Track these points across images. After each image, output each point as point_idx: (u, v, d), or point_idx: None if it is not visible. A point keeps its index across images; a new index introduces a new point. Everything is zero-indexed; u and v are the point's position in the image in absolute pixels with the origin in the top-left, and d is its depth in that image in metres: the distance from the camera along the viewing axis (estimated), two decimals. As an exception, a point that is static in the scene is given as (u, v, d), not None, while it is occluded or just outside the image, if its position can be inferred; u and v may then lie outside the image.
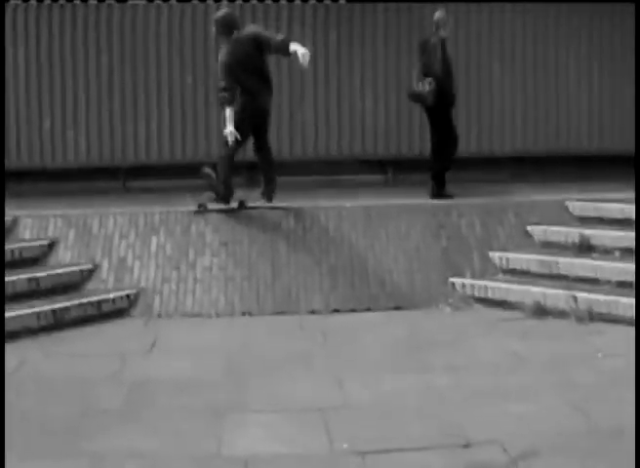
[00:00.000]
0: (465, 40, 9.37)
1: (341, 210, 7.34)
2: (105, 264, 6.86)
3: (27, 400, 4.74)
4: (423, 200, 7.72)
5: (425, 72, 7.75)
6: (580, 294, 6.20)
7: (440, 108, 7.79)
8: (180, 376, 5.13)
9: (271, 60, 7.62)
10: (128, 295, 6.64)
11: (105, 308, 6.50)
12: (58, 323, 6.17)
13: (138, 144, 9.19)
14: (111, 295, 6.56)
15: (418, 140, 9.23)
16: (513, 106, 9.54)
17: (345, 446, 4.11)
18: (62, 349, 5.74)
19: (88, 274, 6.78)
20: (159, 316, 6.59)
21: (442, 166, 7.98)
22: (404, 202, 7.57)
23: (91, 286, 6.75)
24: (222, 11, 7.37)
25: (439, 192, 7.87)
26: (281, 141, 9.07)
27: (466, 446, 4.10)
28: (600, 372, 5.05)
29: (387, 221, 7.23)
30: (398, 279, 6.90)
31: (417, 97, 7.91)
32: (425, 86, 7.67)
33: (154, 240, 7.01)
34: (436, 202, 7.61)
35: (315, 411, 4.53)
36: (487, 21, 9.45)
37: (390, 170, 9.39)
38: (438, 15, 7.80)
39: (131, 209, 7.42)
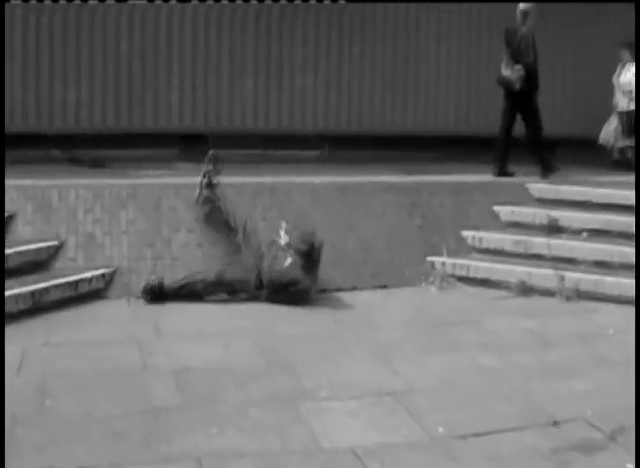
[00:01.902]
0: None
1: (314, 186, 7.14)
2: (72, 241, 6.27)
3: (66, 400, 4.19)
4: (391, 178, 7.69)
5: (516, 59, 8.02)
6: (568, 274, 6.43)
7: (527, 94, 8.07)
8: (219, 364, 4.76)
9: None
10: (103, 275, 6.11)
11: (82, 289, 5.93)
12: (36, 306, 5.55)
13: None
14: (88, 275, 6.00)
15: (355, 117, 9.21)
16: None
17: (441, 430, 4.03)
18: (61, 336, 5.15)
19: (54, 251, 6.15)
20: (138, 298, 6.12)
21: (541, 146, 8.21)
22: (379, 179, 7.49)
23: (59, 264, 6.13)
24: None
25: (546, 172, 8.12)
26: (220, 113, 8.74)
27: (556, 423, 4.14)
28: (624, 348, 5.27)
29: (362, 199, 7.11)
30: (380, 257, 6.82)
31: (505, 83, 8.10)
32: (515, 72, 7.92)
33: (123, 215, 6.49)
34: (405, 180, 7.61)
35: (387, 396, 4.38)
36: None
37: (326, 146, 9.29)
38: (526, 6, 8.10)
39: (90, 181, 6.81)
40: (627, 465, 3.70)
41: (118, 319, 5.65)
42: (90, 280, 5.98)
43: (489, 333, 5.54)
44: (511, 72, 7.96)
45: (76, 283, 5.88)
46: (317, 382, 4.55)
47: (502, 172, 8.15)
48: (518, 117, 8.20)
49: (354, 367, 4.85)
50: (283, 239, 6.25)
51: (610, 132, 9.45)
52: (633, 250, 6.56)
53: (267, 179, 7.28)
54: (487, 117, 9.47)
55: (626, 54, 9.40)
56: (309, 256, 6.07)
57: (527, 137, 8.25)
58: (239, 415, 4.08)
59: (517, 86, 7.99)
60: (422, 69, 9.76)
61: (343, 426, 4.02)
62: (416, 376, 4.71)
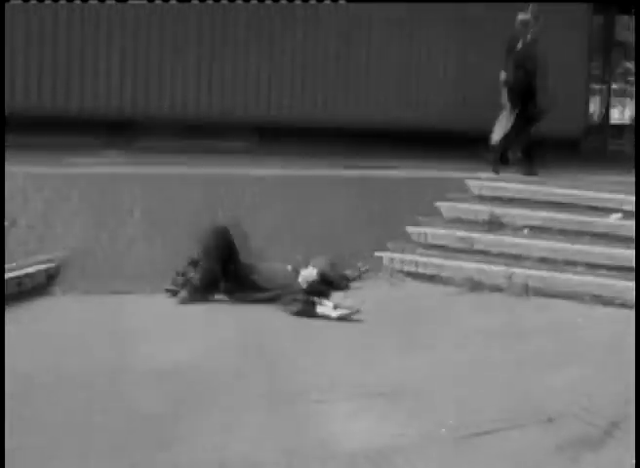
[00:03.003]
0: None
1: (258, 179, 6.94)
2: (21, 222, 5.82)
3: (45, 409, 3.83)
4: (334, 172, 7.57)
5: (520, 66, 8.41)
6: (517, 270, 6.52)
7: (527, 98, 8.54)
8: (196, 365, 4.51)
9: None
10: (47, 269, 5.70)
11: (25, 285, 5.52)
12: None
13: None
14: (31, 270, 5.59)
15: (286, 108, 9.04)
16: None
17: (444, 430, 3.95)
18: (27, 329, 4.77)
19: None
20: (86, 293, 5.76)
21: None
22: (321, 173, 7.35)
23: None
24: None
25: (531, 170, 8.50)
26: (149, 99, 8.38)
27: (550, 420, 4.17)
28: (590, 343, 5.36)
29: (307, 193, 6.97)
30: (328, 253, 6.70)
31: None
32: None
33: (64, 206, 6.08)
34: (349, 175, 7.52)
35: (380, 396, 4.27)
36: None
37: (257, 136, 9.08)
38: (526, 16, 8.46)
39: (28, 169, 6.35)
40: (633, 461, 3.77)
41: (68, 316, 5.28)
42: (33, 275, 5.58)
43: (457, 330, 5.53)
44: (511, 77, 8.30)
45: (19, 279, 5.47)
46: (306, 383, 4.38)
47: (496, 169, 8.41)
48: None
49: (336, 365, 4.71)
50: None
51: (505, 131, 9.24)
52: (576, 246, 6.76)
53: (212, 171, 7.04)
54: (422, 111, 9.58)
55: None
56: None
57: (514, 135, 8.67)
58: (237, 422, 3.86)
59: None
60: (355, 62, 9.69)
61: (347, 430, 3.87)
62: (402, 376, 4.62)
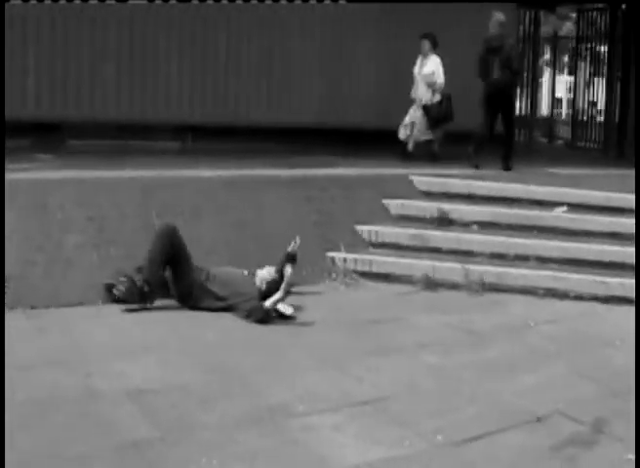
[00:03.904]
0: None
1: (201, 181, 6.70)
2: (-52, 246, 5.41)
3: (20, 438, 3.53)
4: (277, 171, 7.39)
5: (507, 66, 8.65)
6: (472, 267, 6.50)
7: (510, 96, 9.04)
8: (169, 384, 4.25)
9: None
10: (-9, 284, 5.34)
11: (-30, 301, 5.16)
12: None
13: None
14: (-25, 285, 5.22)
15: (219, 108, 8.81)
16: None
17: (440, 437, 3.89)
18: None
19: None
20: (33, 307, 5.41)
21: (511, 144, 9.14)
22: (262, 173, 7.16)
23: (-64, 273, 5.29)
24: None
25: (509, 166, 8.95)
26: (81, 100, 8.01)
27: (539, 420, 4.14)
28: (553, 339, 5.41)
29: (254, 194, 6.78)
30: (278, 255, 6.51)
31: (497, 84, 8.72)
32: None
33: (6, 216, 5.69)
34: (293, 174, 7.36)
35: (364, 405, 4.15)
36: None
37: (189, 137, 8.81)
38: (503, 16, 8.77)
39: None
40: (629, 456, 3.78)
41: (23, 335, 4.93)
42: (-23, 291, 5.21)
43: (419, 331, 5.46)
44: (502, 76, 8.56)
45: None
46: (284, 396, 4.23)
47: (474, 164, 8.73)
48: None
49: (309, 375, 4.56)
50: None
51: (411, 125, 9.38)
52: (525, 241, 6.82)
53: (147, 173, 6.76)
54: (350, 110, 9.51)
55: (426, 44, 9.35)
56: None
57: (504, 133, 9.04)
58: (229, 442, 3.66)
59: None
60: (287, 61, 9.56)
61: (341, 443, 3.73)
62: (377, 382, 4.51)
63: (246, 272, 5.85)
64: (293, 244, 5.83)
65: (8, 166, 6.87)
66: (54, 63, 8.12)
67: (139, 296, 5.46)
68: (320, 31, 9.97)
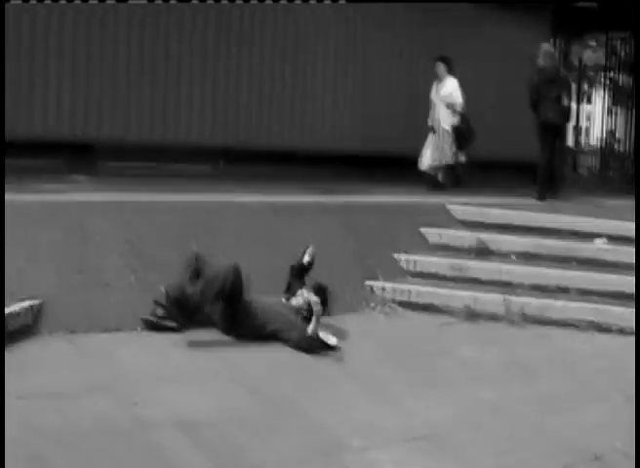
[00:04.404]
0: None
1: (241, 206, 6.61)
2: (-12, 267, 5.31)
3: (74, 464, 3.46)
4: (318, 198, 7.32)
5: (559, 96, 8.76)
6: (513, 298, 6.38)
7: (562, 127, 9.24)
8: (219, 414, 4.13)
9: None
10: (32, 307, 5.23)
11: (11, 326, 5.03)
12: (-36, 348, 4.63)
13: None
14: (16, 308, 5.10)
15: (255, 132, 8.78)
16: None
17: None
18: (15, 387, 4.26)
19: (-34, 281, 5.20)
20: (73, 331, 5.30)
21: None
22: (300, 200, 7.08)
23: (-27, 297, 5.19)
24: None
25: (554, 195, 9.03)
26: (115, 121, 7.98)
27: (597, 458, 4.03)
28: (602, 373, 5.28)
29: (293, 220, 6.68)
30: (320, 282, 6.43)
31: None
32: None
33: (44, 237, 5.62)
34: (329, 201, 7.28)
35: (421, 440, 4.05)
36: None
37: (221, 160, 8.75)
38: (551, 46, 9.22)
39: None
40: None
41: (66, 361, 4.82)
42: (18, 314, 5.10)
43: (467, 364, 5.36)
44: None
45: (4, 319, 4.98)
46: (339, 430, 4.11)
47: (542, 197, 8.81)
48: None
49: (362, 407, 4.46)
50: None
51: (433, 154, 9.17)
52: (565, 272, 6.70)
53: (185, 198, 6.67)
54: (384, 136, 9.46)
55: (441, 67, 9.21)
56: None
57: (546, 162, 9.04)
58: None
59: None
60: (320, 85, 9.52)
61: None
62: (431, 416, 4.42)
63: (283, 299, 5.75)
64: (306, 253, 5.70)
65: (43, 186, 6.84)
66: (90, 83, 8.07)
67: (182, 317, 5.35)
68: (355, 58, 9.95)
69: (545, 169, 8.99)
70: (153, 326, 5.44)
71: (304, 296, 5.64)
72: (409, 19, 10.29)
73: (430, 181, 9.24)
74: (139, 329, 5.47)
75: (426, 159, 9.23)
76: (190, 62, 8.64)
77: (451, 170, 9.29)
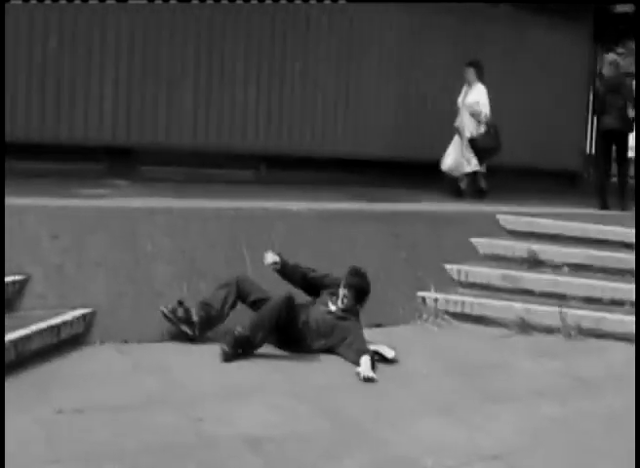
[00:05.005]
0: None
1: (289, 214, 6.48)
2: (38, 274, 5.21)
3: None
4: (361, 206, 7.18)
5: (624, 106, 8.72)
6: (568, 311, 6.22)
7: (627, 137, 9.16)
8: (285, 431, 3.98)
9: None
10: (84, 316, 5.13)
11: (64, 334, 4.94)
12: (19, 358, 4.51)
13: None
14: (68, 317, 5.00)
15: (296, 137, 8.67)
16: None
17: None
18: (69, 399, 4.16)
19: (19, 287, 5.09)
20: (124, 342, 5.20)
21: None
22: (348, 207, 6.95)
23: (27, 303, 5.09)
24: None
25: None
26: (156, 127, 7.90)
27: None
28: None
29: (343, 229, 6.55)
30: (372, 293, 6.28)
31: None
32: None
33: (93, 244, 5.51)
34: (378, 209, 7.17)
35: (495, 460, 3.88)
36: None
37: (263, 166, 8.64)
38: (617, 57, 9.16)
39: (46, 202, 5.75)
40: None
41: (121, 372, 4.71)
42: (71, 323, 5.00)
43: (528, 378, 5.19)
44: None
45: (58, 328, 4.88)
46: (408, 448, 3.96)
47: (605, 206, 8.89)
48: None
49: (427, 424, 4.30)
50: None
51: (456, 158, 8.91)
52: (622, 285, 6.53)
53: (232, 204, 6.54)
54: (422, 143, 9.31)
55: (471, 73, 8.93)
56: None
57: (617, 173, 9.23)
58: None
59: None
60: (363, 92, 9.44)
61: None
62: (500, 433, 4.24)
63: (331, 306, 5.58)
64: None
65: (84, 191, 6.74)
66: (131, 89, 8.00)
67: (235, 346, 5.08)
68: (395, 67, 9.84)
69: (602, 178, 9.03)
70: (170, 322, 5.35)
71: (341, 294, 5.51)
72: (447, 23, 10.13)
73: (450, 185, 8.99)
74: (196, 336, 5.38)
75: (448, 160, 8.98)
76: (233, 68, 8.54)
77: (472, 179, 8.99)
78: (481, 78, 8.91)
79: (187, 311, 5.33)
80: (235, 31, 8.57)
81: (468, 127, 8.86)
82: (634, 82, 8.90)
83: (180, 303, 5.36)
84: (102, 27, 7.86)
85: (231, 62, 8.49)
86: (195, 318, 5.32)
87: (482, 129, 8.81)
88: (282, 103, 8.74)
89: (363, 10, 9.36)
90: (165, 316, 5.32)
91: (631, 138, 9.36)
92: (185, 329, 5.32)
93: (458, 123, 8.99)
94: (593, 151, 12.65)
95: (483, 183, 9.04)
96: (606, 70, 8.90)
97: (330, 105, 9.23)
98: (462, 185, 8.98)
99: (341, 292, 5.50)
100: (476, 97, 8.84)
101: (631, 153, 10.09)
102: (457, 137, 8.97)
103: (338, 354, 5.26)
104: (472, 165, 8.86)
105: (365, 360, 5.04)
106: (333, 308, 5.50)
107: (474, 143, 8.78)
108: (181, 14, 8.25)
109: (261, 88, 8.66)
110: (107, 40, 7.90)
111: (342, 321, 5.44)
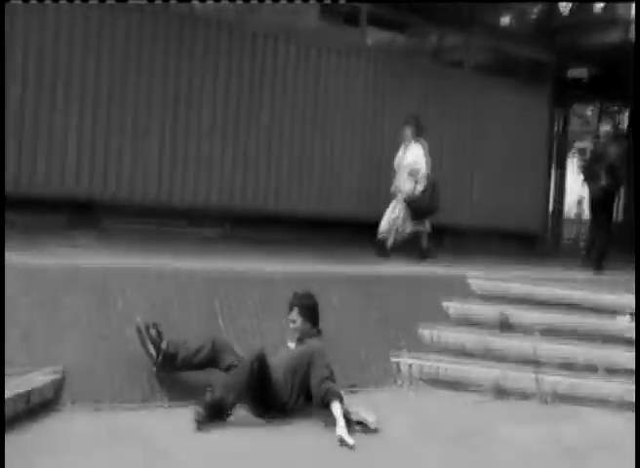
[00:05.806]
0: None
1: (263, 277, 6.33)
2: (8, 334, 4.93)
3: None
4: (333, 268, 7.08)
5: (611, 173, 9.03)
6: (545, 377, 6.17)
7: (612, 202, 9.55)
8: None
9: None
10: (52, 381, 4.84)
11: (34, 399, 4.65)
12: (-13, 425, 4.22)
13: None
14: (38, 383, 4.71)
15: (261, 195, 8.57)
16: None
17: None
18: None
19: (-15, 349, 4.80)
20: (97, 404, 4.92)
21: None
22: (321, 270, 6.83)
23: (-6, 366, 4.78)
24: None
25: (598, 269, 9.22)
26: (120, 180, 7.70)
27: None
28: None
29: (318, 289, 6.39)
30: (344, 354, 6.09)
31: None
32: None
33: (66, 303, 5.26)
34: (348, 271, 7.07)
35: None
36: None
37: (228, 224, 8.49)
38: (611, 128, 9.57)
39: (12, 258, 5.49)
40: None
41: (92, 439, 4.44)
42: (41, 388, 4.71)
43: (514, 447, 5.07)
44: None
45: (28, 393, 4.59)
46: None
47: (600, 267, 9.17)
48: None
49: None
50: None
51: (394, 220, 8.56)
52: (592, 350, 6.54)
53: (210, 266, 6.36)
54: (387, 203, 9.33)
55: (408, 132, 8.68)
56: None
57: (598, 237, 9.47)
58: None
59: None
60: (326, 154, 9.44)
61: None
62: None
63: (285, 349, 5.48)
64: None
65: (54, 249, 6.50)
66: (95, 140, 7.83)
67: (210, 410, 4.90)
68: (362, 118, 9.90)
69: (601, 243, 9.38)
70: (140, 338, 5.22)
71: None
72: (411, 84, 10.26)
73: (377, 246, 8.61)
74: (166, 404, 5.15)
75: (383, 223, 8.61)
76: (200, 121, 8.45)
77: (414, 239, 8.74)
78: (420, 134, 8.65)
79: (160, 334, 5.24)
80: (198, 85, 8.52)
81: (405, 187, 8.57)
82: (617, 149, 9.17)
83: (155, 325, 5.25)
84: (67, 75, 7.72)
85: (197, 115, 8.42)
86: (164, 345, 5.21)
87: (419, 188, 8.59)
88: (247, 161, 8.65)
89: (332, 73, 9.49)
90: (138, 331, 5.21)
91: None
92: (152, 350, 5.20)
93: (394, 186, 8.68)
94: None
95: (425, 244, 8.79)
96: (601, 141, 9.31)
97: (297, 165, 9.19)
98: (389, 245, 8.56)
99: (289, 317, 5.51)
100: (414, 156, 8.58)
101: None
102: (394, 201, 8.66)
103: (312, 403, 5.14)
104: (407, 228, 8.61)
105: (339, 415, 4.91)
106: (292, 345, 5.49)
107: (411, 204, 8.54)
108: (148, 64, 8.17)
109: (226, 142, 8.57)
110: (71, 91, 7.75)
111: (301, 345, 5.41)
